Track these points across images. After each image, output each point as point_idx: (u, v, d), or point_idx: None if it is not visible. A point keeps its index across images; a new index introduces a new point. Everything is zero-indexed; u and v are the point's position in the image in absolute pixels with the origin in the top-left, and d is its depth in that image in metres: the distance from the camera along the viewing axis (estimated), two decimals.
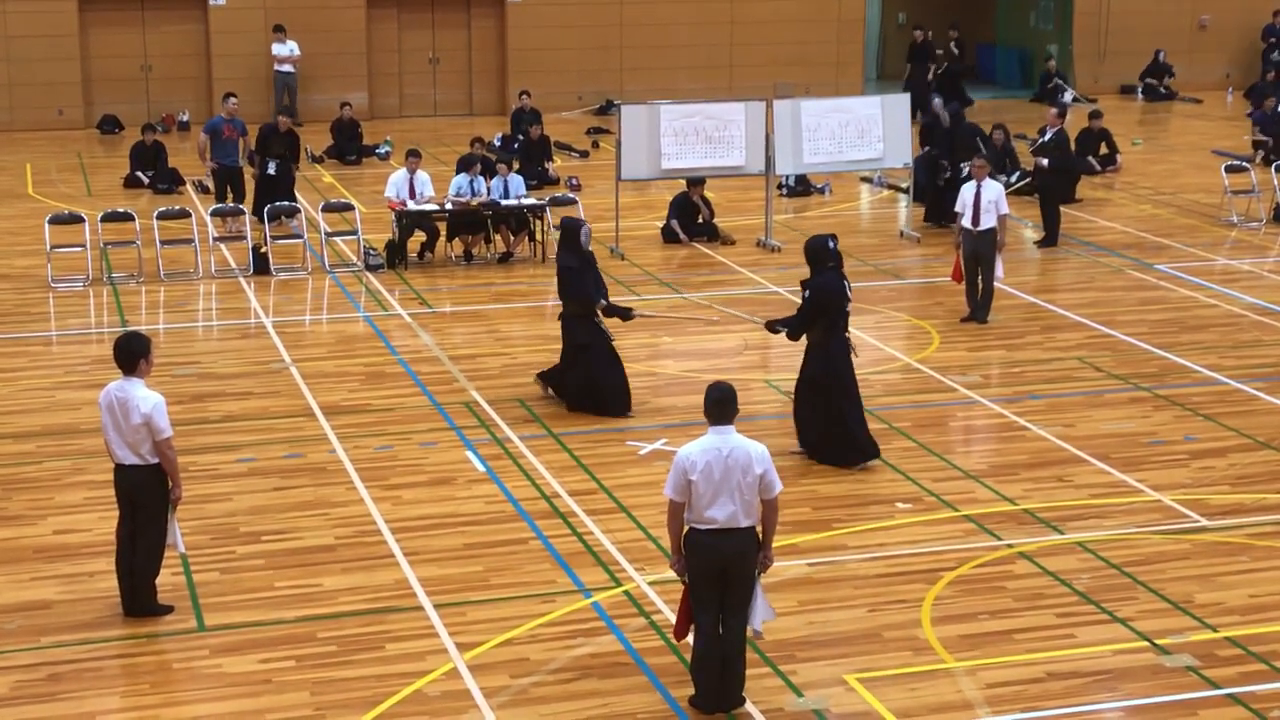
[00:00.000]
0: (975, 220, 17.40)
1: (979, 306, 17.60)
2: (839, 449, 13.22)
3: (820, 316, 13.06)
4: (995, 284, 17.68)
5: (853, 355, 13.24)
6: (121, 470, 10.37)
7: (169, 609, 10.58)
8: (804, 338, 13.32)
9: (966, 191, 17.55)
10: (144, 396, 10.23)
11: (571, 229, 14.62)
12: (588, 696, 9.55)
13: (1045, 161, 21.46)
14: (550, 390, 14.88)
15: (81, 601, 10.78)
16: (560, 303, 14.70)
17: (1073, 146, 25.39)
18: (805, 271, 13.34)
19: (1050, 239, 21.35)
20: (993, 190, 17.43)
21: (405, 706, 9.44)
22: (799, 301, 13.48)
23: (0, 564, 11.42)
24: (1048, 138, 21.99)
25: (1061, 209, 21.87)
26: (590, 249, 14.68)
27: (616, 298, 15.43)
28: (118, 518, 10.55)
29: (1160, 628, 10.42)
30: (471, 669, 9.87)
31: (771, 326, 13.70)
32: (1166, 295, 18.99)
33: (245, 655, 10.05)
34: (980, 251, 17.45)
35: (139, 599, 10.49)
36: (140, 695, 9.62)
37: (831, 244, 13.14)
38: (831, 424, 13.16)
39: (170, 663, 10.02)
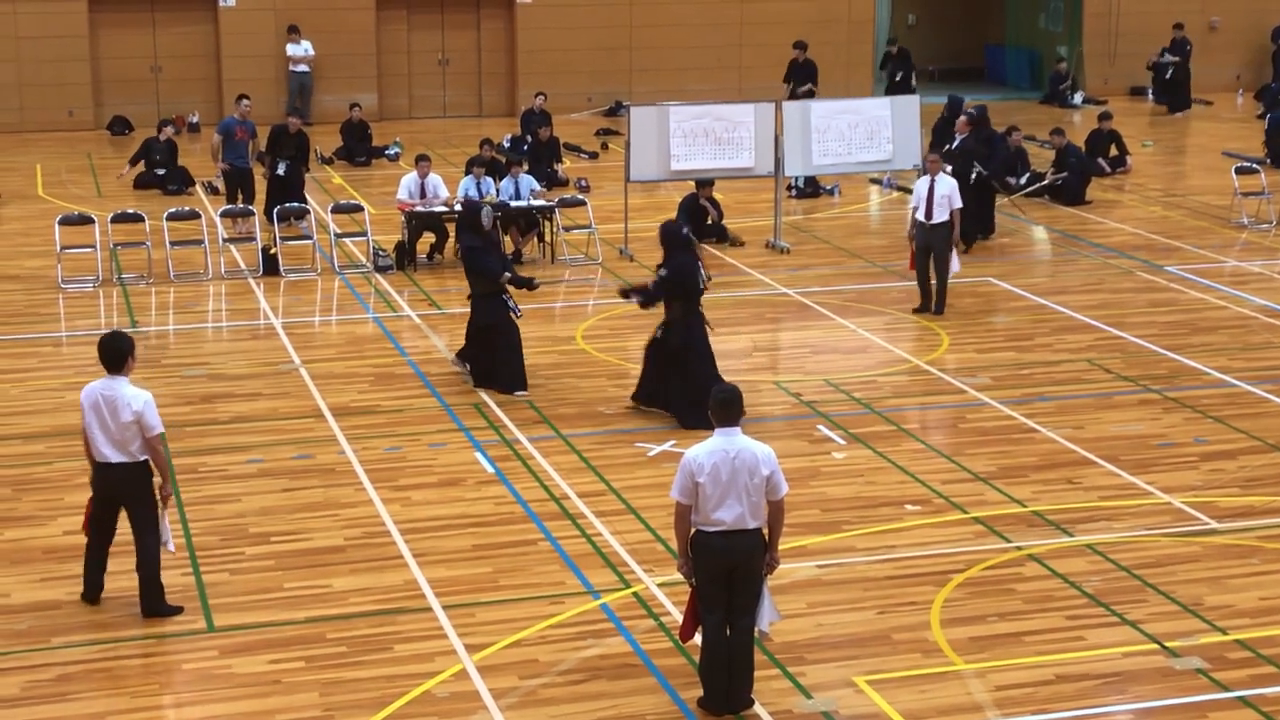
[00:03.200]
0: (928, 214, 17.56)
1: (935, 300, 17.85)
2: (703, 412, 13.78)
3: (678, 294, 14.07)
4: (950, 278, 17.87)
5: (708, 328, 14.32)
6: (106, 468, 10.36)
7: (178, 610, 10.59)
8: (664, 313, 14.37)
9: (920, 185, 17.78)
10: (134, 394, 10.28)
11: (472, 210, 15.56)
12: (597, 698, 9.55)
13: (949, 168, 20.37)
14: (466, 367, 15.48)
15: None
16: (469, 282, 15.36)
17: (1085, 148, 25.48)
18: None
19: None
20: (946, 185, 17.62)
21: (414, 707, 9.45)
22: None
23: (10, 565, 11.45)
24: (954, 145, 21.71)
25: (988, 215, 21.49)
26: (491, 229, 15.52)
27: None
28: (86, 514, 10.57)
29: (1170, 630, 10.41)
30: (480, 670, 9.87)
31: (625, 293, 14.98)
32: (1176, 297, 18.96)
33: (254, 656, 10.06)
34: (933, 245, 17.64)
35: (148, 599, 10.50)
36: (150, 696, 9.63)
37: (684, 230, 14.38)
38: (697, 392, 13.41)
39: (180, 663, 10.03)
